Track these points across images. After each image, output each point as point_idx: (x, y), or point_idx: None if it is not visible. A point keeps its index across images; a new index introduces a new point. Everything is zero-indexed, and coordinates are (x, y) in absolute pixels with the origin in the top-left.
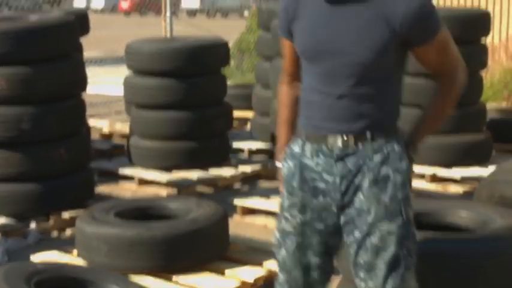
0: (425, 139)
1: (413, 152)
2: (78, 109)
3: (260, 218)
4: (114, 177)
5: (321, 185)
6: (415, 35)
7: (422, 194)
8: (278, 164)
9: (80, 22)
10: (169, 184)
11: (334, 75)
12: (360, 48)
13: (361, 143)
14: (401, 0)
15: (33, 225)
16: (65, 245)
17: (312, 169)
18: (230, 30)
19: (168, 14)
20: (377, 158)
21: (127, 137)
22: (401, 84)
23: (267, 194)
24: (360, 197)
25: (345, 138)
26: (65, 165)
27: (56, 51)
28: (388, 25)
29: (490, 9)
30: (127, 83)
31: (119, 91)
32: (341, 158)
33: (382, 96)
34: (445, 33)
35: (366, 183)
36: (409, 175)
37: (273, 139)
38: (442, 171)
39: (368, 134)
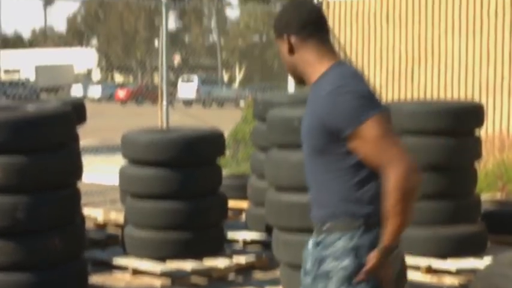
0: (396, 239)
1: (385, 255)
2: (73, 198)
3: None
4: (108, 267)
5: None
6: (332, 125)
7: (417, 286)
8: None
9: (77, 112)
10: (163, 275)
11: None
12: (305, 139)
13: (321, 234)
14: (321, 89)
15: None
16: None
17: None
18: (226, 120)
19: (164, 103)
20: (324, 251)
21: (121, 226)
22: (359, 174)
23: (261, 285)
24: None
25: (317, 225)
26: (58, 255)
27: (53, 141)
28: (317, 118)
29: (483, 101)
30: (122, 173)
31: (114, 180)
32: (315, 244)
33: (338, 187)
34: (375, 123)
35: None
36: (354, 272)
37: (268, 230)
38: (437, 263)
39: (326, 225)
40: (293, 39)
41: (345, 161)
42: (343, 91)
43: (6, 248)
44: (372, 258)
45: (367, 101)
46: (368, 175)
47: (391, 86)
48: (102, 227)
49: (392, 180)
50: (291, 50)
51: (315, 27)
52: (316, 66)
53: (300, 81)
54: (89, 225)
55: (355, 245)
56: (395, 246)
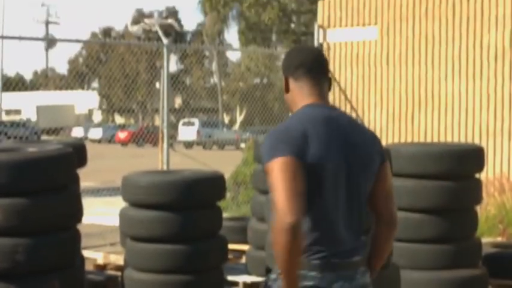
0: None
1: None
2: (73, 241)
3: None
4: None
5: None
6: None
7: None
8: None
9: (78, 153)
10: None
11: None
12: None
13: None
14: None
15: None
16: None
17: None
18: (226, 162)
19: (165, 146)
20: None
21: (121, 268)
22: (314, 210)
23: None
24: None
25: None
26: None
27: (53, 182)
28: None
29: (483, 144)
30: (123, 215)
31: (114, 221)
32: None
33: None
34: (270, 169)
35: None
36: None
37: (268, 272)
38: None
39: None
40: (289, 80)
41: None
42: (271, 131)
43: None
44: None
45: (281, 144)
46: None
47: (391, 128)
48: (102, 268)
49: (273, 228)
50: (286, 89)
51: (306, 70)
52: (298, 106)
53: None
54: (88, 267)
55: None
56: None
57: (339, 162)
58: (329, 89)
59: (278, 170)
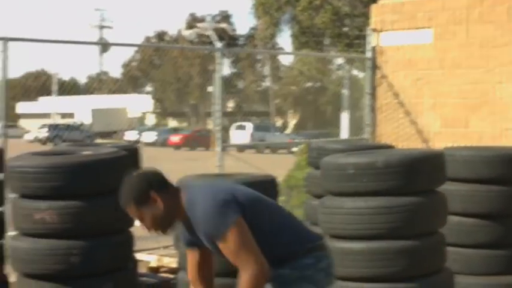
0: None
1: None
2: (127, 244)
3: None
4: None
5: None
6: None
7: None
8: None
9: (132, 157)
10: None
11: None
12: None
13: None
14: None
15: None
16: None
17: None
18: (279, 166)
19: (218, 149)
20: None
21: (175, 271)
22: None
23: None
24: None
25: None
26: None
27: (108, 186)
28: None
29: None
30: None
31: None
32: None
33: None
34: (230, 238)
35: None
36: None
37: None
38: None
39: None
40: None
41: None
42: (200, 212)
43: None
44: None
45: (221, 215)
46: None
47: (445, 132)
48: (155, 271)
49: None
50: (147, 209)
51: None
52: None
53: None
54: (142, 270)
55: None
56: None
57: None
58: None
59: (236, 240)
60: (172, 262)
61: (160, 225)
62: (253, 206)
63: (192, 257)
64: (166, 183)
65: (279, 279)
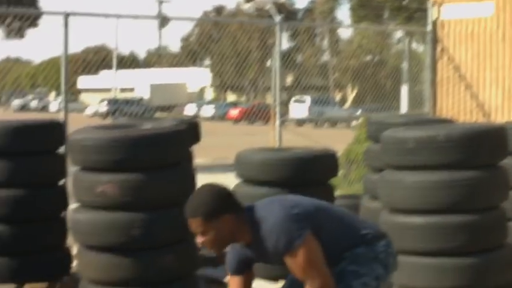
0: None
1: None
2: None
3: None
4: (221, 285)
5: None
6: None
7: None
8: None
9: (192, 131)
10: None
11: None
12: None
13: None
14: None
15: None
16: None
17: None
18: (337, 140)
19: (277, 123)
20: None
21: None
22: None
23: None
24: None
25: None
26: (172, 272)
27: (168, 159)
28: None
29: None
30: (235, 192)
31: None
32: None
33: None
34: (300, 253)
35: None
36: None
37: None
38: None
39: None
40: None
41: None
42: (270, 231)
43: (121, 264)
44: None
45: (291, 232)
46: None
47: (507, 106)
48: None
49: None
50: (211, 230)
51: None
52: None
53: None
54: None
55: None
56: None
57: None
58: None
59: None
60: None
61: (219, 246)
62: (319, 213)
63: (234, 284)
64: (238, 206)
65: (353, 256)
